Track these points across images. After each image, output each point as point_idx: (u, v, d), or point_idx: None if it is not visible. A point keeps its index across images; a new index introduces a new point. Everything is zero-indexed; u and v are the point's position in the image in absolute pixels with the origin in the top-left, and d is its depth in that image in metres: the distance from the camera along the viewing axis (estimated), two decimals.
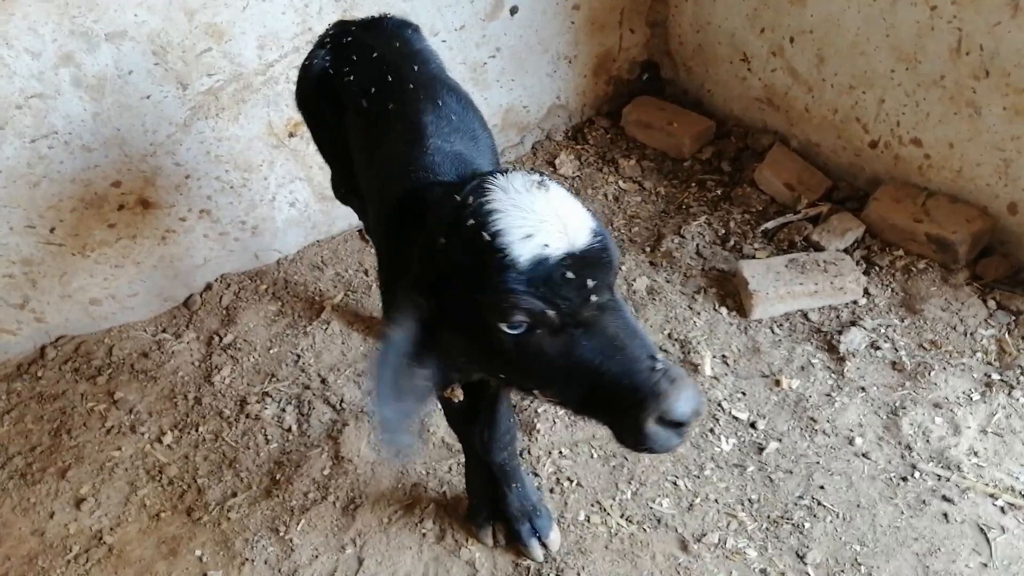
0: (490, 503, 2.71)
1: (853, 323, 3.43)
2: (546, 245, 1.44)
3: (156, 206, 3.57)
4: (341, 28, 2.82)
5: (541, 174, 1.57)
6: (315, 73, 2.73)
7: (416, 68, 2.55)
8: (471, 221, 1.48)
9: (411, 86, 2.43)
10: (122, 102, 3.26)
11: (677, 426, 1.50)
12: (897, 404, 3.10)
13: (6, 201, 3.19)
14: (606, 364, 1.49)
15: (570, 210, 1.50)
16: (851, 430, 3.04)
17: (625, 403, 1.49)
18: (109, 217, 3.48)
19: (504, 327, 1.48)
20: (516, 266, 1.43)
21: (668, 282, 3.77)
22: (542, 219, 1.45)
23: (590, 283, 1.48)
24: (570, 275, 1.45)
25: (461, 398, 2.25)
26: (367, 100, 2.48)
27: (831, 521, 2.75)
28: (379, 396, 1.56)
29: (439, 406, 2.61)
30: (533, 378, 1.61)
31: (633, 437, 1.51)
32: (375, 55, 2.59)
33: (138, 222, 3.56)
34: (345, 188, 3.12)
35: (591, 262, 1.49)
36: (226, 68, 3.43)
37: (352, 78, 2.58)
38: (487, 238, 1.45)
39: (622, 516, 2.82)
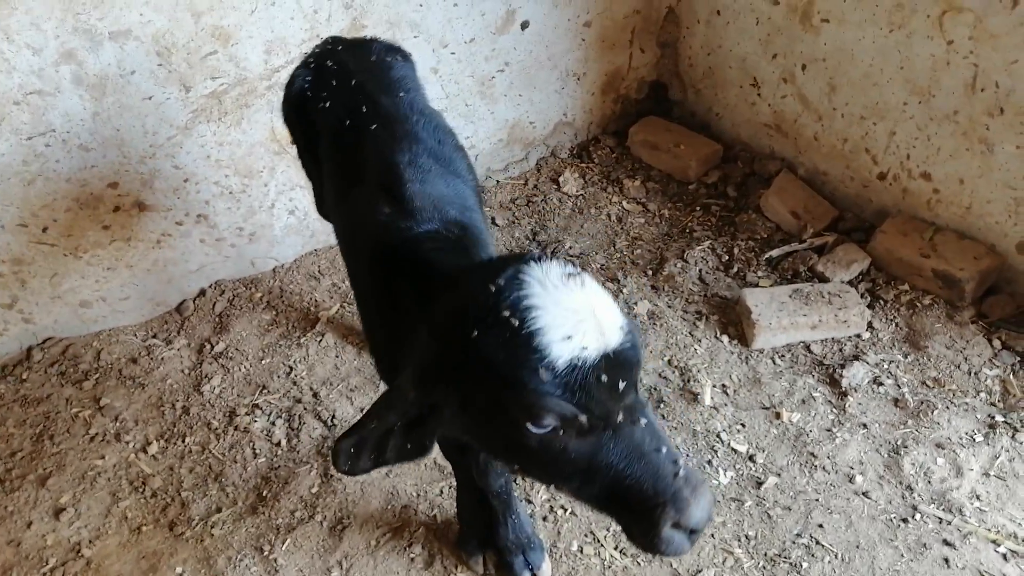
0: (481, 531, 2.65)
1: (856, 357, 3.38)
2: (584, 347, 1.38)
3: (152, 209, 3.50)
4: (327, 48, 2.76)
5: (570, 262, 1.51)
6: (295, 93, 2.68)
7: (394, 100, 2.47)
8: (508, 316, 1.40)
9: (387, 121, 2.35)
10: (123, 102, 3.19)
11: (691, 532, 1.48)
12: (899, 442, 3.04)
13: None
14: (630, 468, 1.46)
15: (605, 307, 1.45)
16: (851, 467, 2.98)
17: (644, 506, 1.46)
18: (104, 218, 3.41)
19: (530, 426, 1.43)
20: (552, 369, 1.37)
21: (669, 307, 3.71)
22: (580, 318, 1.39)
23: (621, 385, 1.43)
24: (604, 378, 1.40)
25: None
26: (341, 132, 2.41)
27: (829, 562, 2.69)
28: (357, 451, 1.54)
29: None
30: (554, 475, 1.56)
31: (648, 539, 1.48)
32: (353, 83, 2.52)
33: (133, 224, 3.49)
34: (328, 207, 3.02)
35: (623, 363, 1.44)
36: (231, 72, 3.37)
37: (328, 105, 2.51)
38: (524, 336, 1.38)
39: (616, 548, 2.75)
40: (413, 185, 2.07)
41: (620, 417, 1.46)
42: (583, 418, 1.42)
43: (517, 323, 1.38)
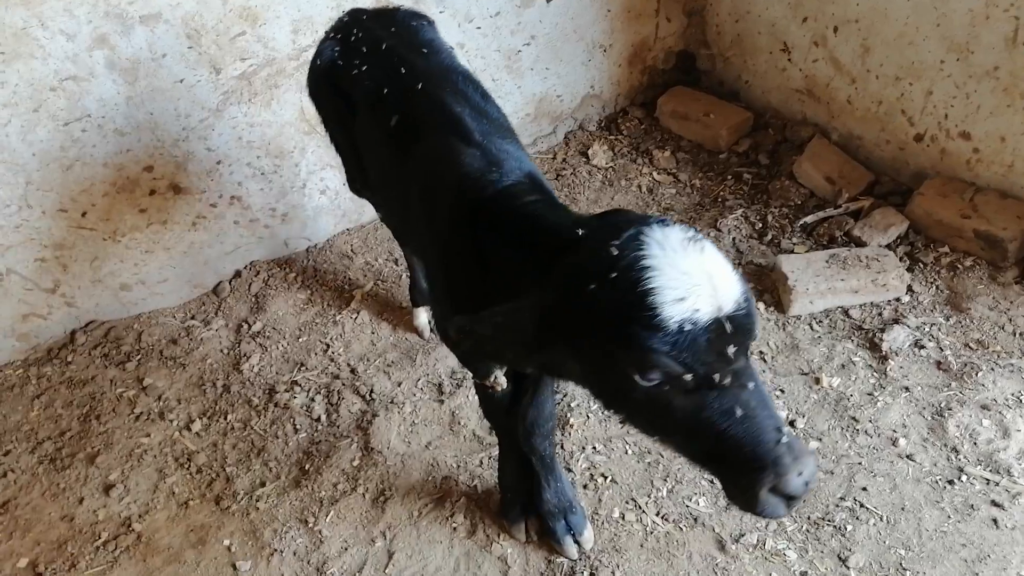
0: (523, 498, 2.67)
1: (896, 321, 3.33)
2: (696, 309, 1.42)
3: (187, 192, 3.54)
4: (352, 17, 2.75)
5: (692, 228, 1.54)
6: (324, 65, 2.68)
7: (431, 60, 2.47)
8: (626, 274, 1.46)
9: (432, 79, 2.34)
10: (155, 85, 3.23)
11: (789, 498, 1.51)
12: (943, 405, 3.00)
13: (39, 184, 3.17)
14: (733, 429, 1.49)
15: (722, 273, 1.48)
16: (894, 431, 2.94)
17: (745, 468, 1.50)
18: (140, 202, 3.46)
19: (638, 378, 1.48)
20: (664, 327, 1.42)
21: None
22: (695, 282, 1.43)
23: (731, 349, 1.47)
24: (713, 340, 1.45)
25: (504, 386, 2.20)
26: (382, 97, 2.40)
27: (874, 524, 2.66)
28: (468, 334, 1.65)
29: (476, 396, 2.56)
30: (657, 427, 1.63)
31: (745, 500, 1.53)
32: (385, 48, 2.52)
33: (169, 207, 3.54)
34: (360, 182, 3.03)
35: (734, 328, 1.47)
36: (260, 52, 3.39)
37: (363, 73, 2.51)
38: (639, 294, 1.43)
39: (657, 514, 2.75)
40: (485, 138, 2.08)
41: (727, 379, 1.49)
42: (688, 376, 1.46)
43: (633, 281, 1.44)
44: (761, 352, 3.30)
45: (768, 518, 1.58)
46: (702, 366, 1.46)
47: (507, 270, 1.82)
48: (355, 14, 2.78)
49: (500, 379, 2.20)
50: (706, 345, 1.44)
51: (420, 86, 2.33)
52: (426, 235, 2.17)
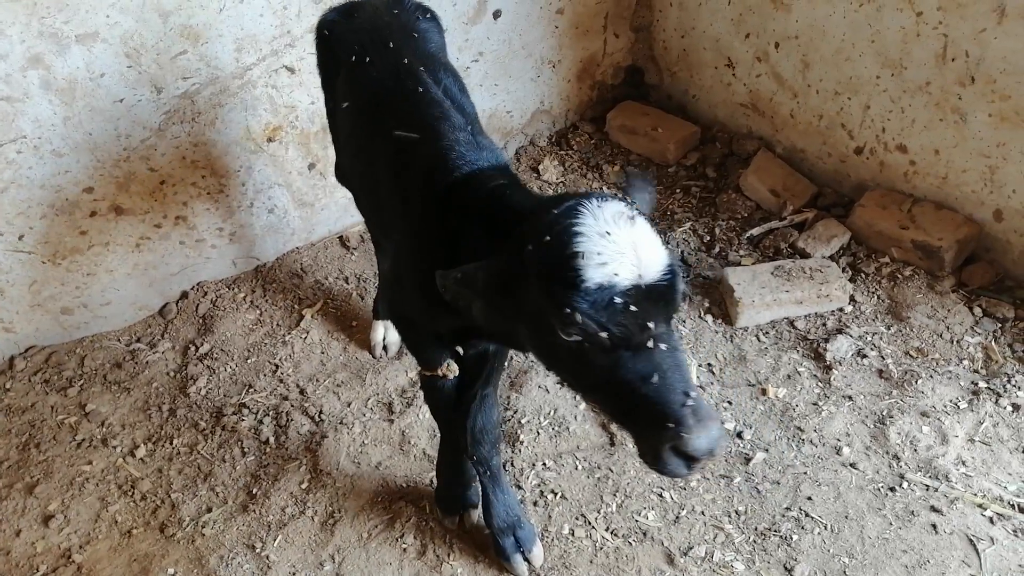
0: (458, 490, 2.77)
1: (839, 331, 3.40)
2: (616, 274, 1.52)
3: (130, 213, 3.48)
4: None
5: (631, 204, 1.66)
6: (323, 23, 2.77)
7: (418, 45, 2.58)
8: (557, 238, 1.58)
9: (415, 61, 2.42)
10: (94, 105, 3.17)
11: (690, 459, 1.57)
12: (884, 413, 3.07)
13: None
14: (645, 389, 1.57)
15: (648, 245, 1.57)
16: (838, 439, 3.00)
17: (651, 426, 1.58)
18: (81, 224, 3.38)
19: (561, 333, 1.59)
20: (583, 288, 1.52)
21: None
22: (619, 249, 1.53)
23: (648, 314, 1.56)
24: (632, 306, 1.54)
25: (455, 375, 2.28)
26: (362, 65, 2.48)
27: (819, 533, 2.71)
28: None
29: (424, 393, 2.58)
30: (580, 384, 1.77)
31: (651, 458, 1.62)
32: (382, 21, 2.63)
33: (111, 229, 3.47)
34: (347, 167, 3.08)
35: (655, 296, 1.57)
36: (202, 71, 3.35)
37: (354, 36, 2.61)
38: (566, 256, 1.55)
39: (607, 529, 2.76)
40: (461, 128, 2.17)
41: (645, 343, 1.58)
42: (604, 336, 1.55)
43: (562, 244, 1.57)
44: (710, 364, 3.34)
45: (669, 476, 1.65)
46: (618, 328, 1.55)
47: (475, 247, 1.90)
48: None
49: (452, 367, 2.28)
50: (623, 308, 1.54)
51: (404, 64, 2.41)
52: (398, 211, 2.24)
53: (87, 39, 3.04)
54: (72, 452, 3.14)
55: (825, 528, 2.72)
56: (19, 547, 2.81)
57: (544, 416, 3.16)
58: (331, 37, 2.75)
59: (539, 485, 2.92)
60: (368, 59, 2.51)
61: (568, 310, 1.54)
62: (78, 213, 3.35)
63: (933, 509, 2.73)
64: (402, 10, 2.78)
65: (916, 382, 3.15)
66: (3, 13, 2.83)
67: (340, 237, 4.13)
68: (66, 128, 3.15)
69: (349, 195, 3.50)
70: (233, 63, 3.42)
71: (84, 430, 3.23)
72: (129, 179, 3.40)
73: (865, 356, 3.29)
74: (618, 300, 1.53)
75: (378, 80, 2.45)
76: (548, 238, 1.60)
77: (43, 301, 3.46)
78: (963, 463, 2.87)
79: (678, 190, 4.34)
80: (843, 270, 3.62)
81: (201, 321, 3.72)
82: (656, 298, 1.57)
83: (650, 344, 1.58)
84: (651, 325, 1.57)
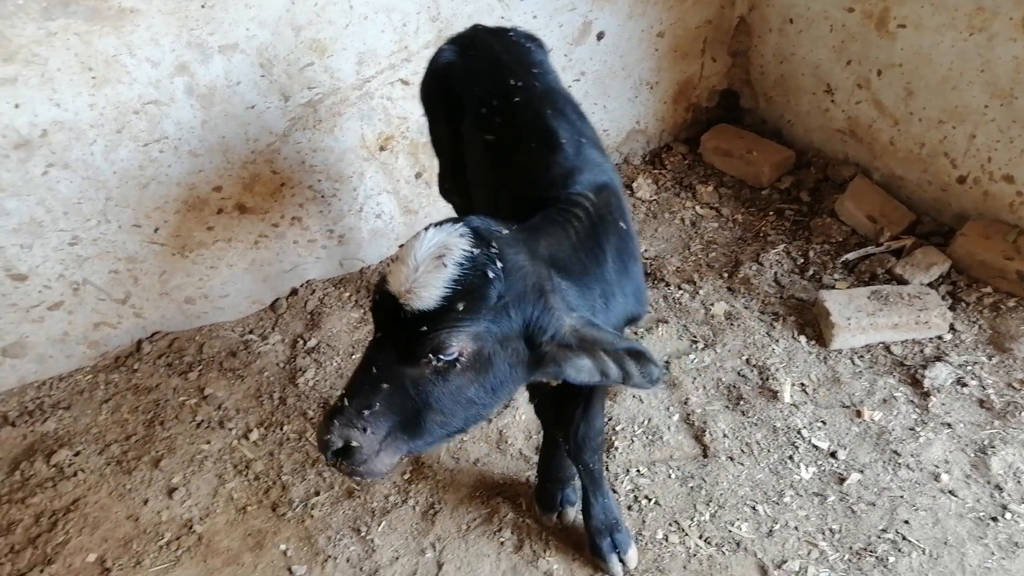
0: (557, 488, 2.86)
1: (938, 358, 3.38)
2: (385, 279, 1.77)
3: (252, 211, 3.72)
4: (473, 30, 2.98)
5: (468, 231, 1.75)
6: (441, 65, 2.88)
7: (537, 78, 2.66)
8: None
9: (535, 96, 2.53)
10: (228, 111, 3.42)
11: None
12: (985, 443, 3.04)
13: (117, 200, 3.36)
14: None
15: (415, 266, 1.70)
16: (936, 466, 2.99)
17: None
18: (208, 220, 3.63)
19: None
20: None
21: (746, 308, 3.77)
22: (400, 261, 1.73)
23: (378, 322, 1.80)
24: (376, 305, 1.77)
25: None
26: (487, 105, 2.59)
27: (916, 557, 2.70)
28: None
29: (529, 394, 2.67)
30: None
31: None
32: (498, 60, 2.72)
33: (234, 226, 3.71)
34: (449, 184, 3.28)
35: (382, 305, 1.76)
36: (326, 82, 3.58)
37: (475, 78, 2.71)
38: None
39: (700, 537, 2.82)
40: (574, 148, 2.27)
41: (373, 340, 1.80)
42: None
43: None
44: (803, 384, 3.37)
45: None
46: (378, 328, 1.85)
47: None
48: (476, 28, 3.01)
49: None
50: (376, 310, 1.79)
51: (525, 100, 2.52)
52: None
53: (228, 50, 3.29)
54: (192, 431, 3.36)
55: (923, 552, 2.71)
56: (147, 515, 3.03)
57: (638, 425, 3.24)
58: (450, 79, 2.86)
59: (633, 490, 2.99)
60: (494, 101, 2.60)
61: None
62: (207, 210, 3.60)
63: None
64: (514, 43, 2.89)
65: (1020, 414, 3.11)
66: (160, 25, 3.09)
67: None
68: (203, 131, 3.40)
69: (450, 207, 3.67)
70: (354, 75, 3.63)
71: (203, 412, 3.45)
72: (254, 180, 3.64)
73: (965, 385, 3.27)
74: (377, 293, 1.75)
75: (502, 117, 2.54)
76: None
77: (170, 290, 3.71)
78: None
79: (772, 213, 4.38)
80: (943, 298, 3.60)
81: (309, 317, 3.93)
82: (398, 321, 1.69)
83: (372, 346, 1.77)
84: (379, 333, 1.77)
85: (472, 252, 1.67)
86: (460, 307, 1.65)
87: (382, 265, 1.72)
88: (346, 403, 1.72)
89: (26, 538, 2.96)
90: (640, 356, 1.81)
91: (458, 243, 1.68)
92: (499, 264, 1.69)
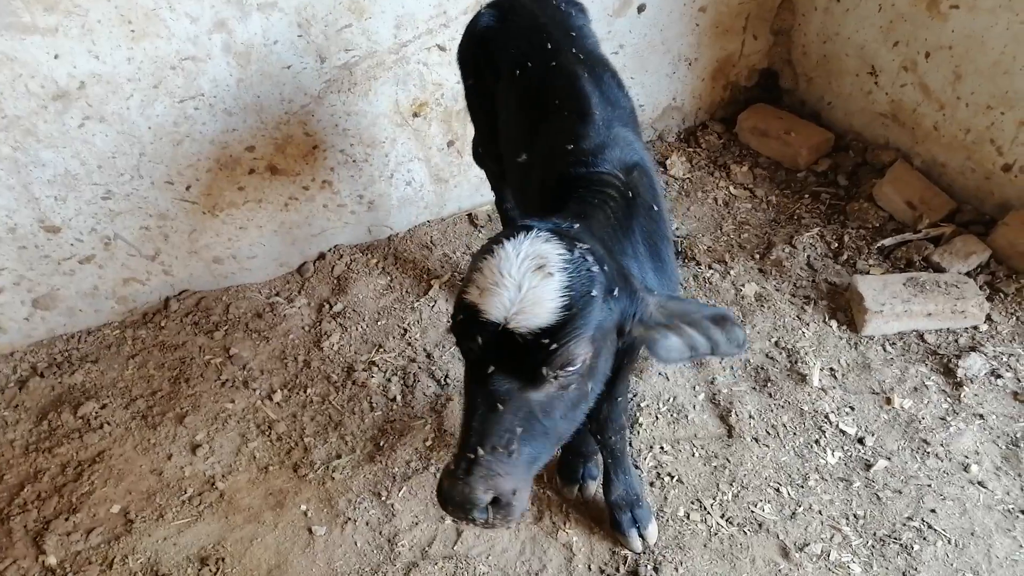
0: (579, 461, 2.86)
1: (973, 349, 3.31)
2: (479, 305, 1.58)
3: (283, 173, 3.71)
4: None
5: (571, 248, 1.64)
6: (480, 29, 2.84)
7: (576, 43, 2.60)
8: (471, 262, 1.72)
9: (572, 61, 2.47)
10: (264, 70, 3.39)
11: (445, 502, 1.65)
12: (1018, 435, 2.98)
13: (151, 156, 3.36)
14: (465, 418, 1.68)
15: (536, 299, 1.55)
16: (966, 456, 2.93)
17: (458, 446, 1.67)
18: (240, 180, 3.63)
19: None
20: (457, 308, 1.66)
21: (777, 290, 3.71)
22: (498, 285, 1.57)
23: (494, 358, 1.61)
24: (479, 339, 1.60)
25: None
26: (524, 69, 2.54)
27: (942, 546, 2.66)
28: None
29: None
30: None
31: (440, 483, 1.68)
32: (538, 23, 2.67)
33: (265, 187, 3.71)
34: (483, 149, 3.27)
35: (510, 345, 1.57)
36: (363, 44, 3.54)
37: (513, 41, 2.67)
38: (465, 279, 1.67)
39: (722, 516, 2.79)
40: (606, 123, 2.22)
41: (483, 381, 1.63)
42: (462, 351, 1.67)
43: (472, 262, 1.67)
44: (832, 368, 3.31)
45: (446, 511, 1.68)
46: (466, 353, 1.70)
47: None
48: None
49: None
50: (471, 338, 1.61)
51: (560, 64, 2.47)
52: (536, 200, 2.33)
53: (267, 8, 3.26)
54: (217, 390, 3.38)
55: (949, 542, 2.67)
56: (170, 470, 3.06)
57: (663, 402, 3.21)
58: (488, 42, 2.81)
59: (656, 467, 2.97)
60: (529, 64, 2.56)
61: (451, 325, 1.66)
62: (239, 170, 3.60)
63: None
64: (554, 7, 2.82)
65: None
66: None
67: (469, 215, 4.28)
68: (238, 89, 3.38)
69: (482, 174, 3.65)
70: (391, 38, 3.59)
71: (228, 371, 3.47)
72: (287, 141, 3.62)
73: (1000, 376, 3.20)
74: (474, 326, 1.57)
75: (538, 80, 2.50)
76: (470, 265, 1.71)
77: (199, 249, 3.73)
78: None
79: (807, 195, 4.30)
80: (980, 288, 3.52)
81: (336, 281, 3.93)
82: (512, 348, 1.55)
83: (487, 383, 1.61)
84: (491, 368, 1.60)
85: (568, 254, 1.59)
86: (577, 313, 1.56)
87: (457, 295, 1.65)
88: (480, 452, 1.58)
89: (52, 486, 3.00)
90: (725, 321, 1.76)
91: (551, 249, 1.59)
92: (591, 259, 1.62)
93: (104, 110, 3.16)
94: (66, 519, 2.87)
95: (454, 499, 1.58)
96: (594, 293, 1.59)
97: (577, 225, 1.76)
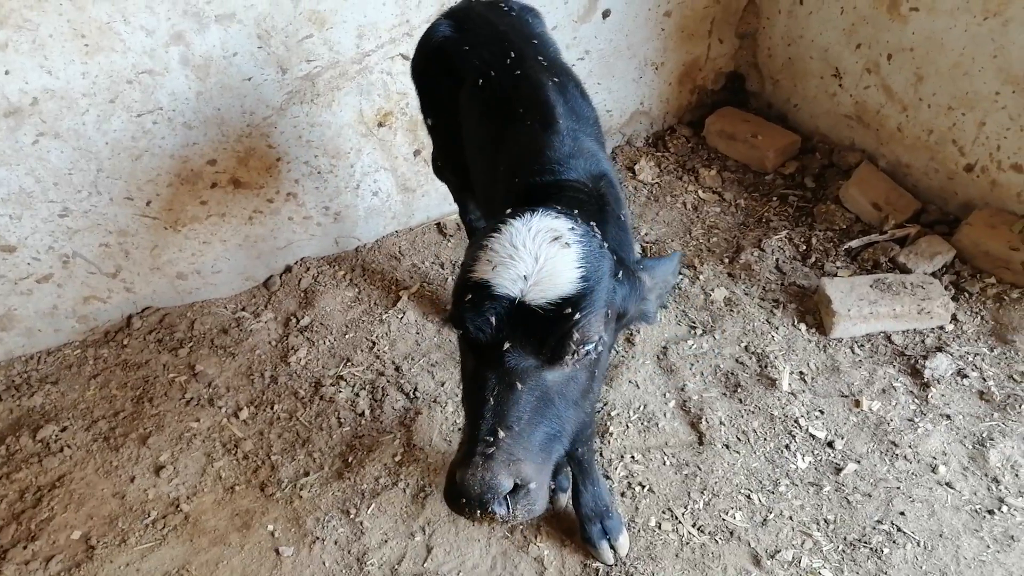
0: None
1: (939, 349, 3.33)
2: (492, 277, 1.55)
3: (246, 186, 3.65)
4: (467, 4, 2.90)
5: (580, 226, 1.65)
6: (435, 42, 2.80)
7: (538, 51, 2.59)
8: (477, 237, 1.69)
9: (535, 70, 2.45)
10: (224, 83, 3.34)
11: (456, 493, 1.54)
12: (984, 435, 3.00)
13: (109, 172, 3.29)
14: (470, 399, 1.63)
15: (554, 270, 1.53)
16: (934, 458, 2.95)
17: (466, 437, 1.60)
18: (202, 194, 3.57)
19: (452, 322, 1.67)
20: (463, 286, 1.62)
21: (746, 295, 3.72)
22: (513, 257, 1.55)
23: (511, 334, 1.56)
24: (492, 316, 1.55)
25: None
26: (486, 78, 2.51)
27: (911, 549, 2.67)
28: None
29: None
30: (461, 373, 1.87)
31: (448, 481, 1.59)
32: (498, 31, 2.65)
33: (228, 201, 3.65)
34: (442, 162, 3.23)
35: (529, 320, 1.53)
36: (325, 55, 3.50)
37: (473, 51, 2.63)
38: (469, 260, 1.66)
39: (694, 525, 2.78)
40: (570, 133, 2.20)
41: (497, 359, 1.56)
42: (470, 336, 1.58)
43: (467, 259, 1.63)
44: (802, 372, 3.32)
45: (450, 504, 1.59)
46: (478, 333, 1.63)
47: None
48: (470, 1, 2.92)
49: None
50: (484, 314, 1.56)
51: (525, 73, 2.45)
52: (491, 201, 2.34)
53: (225, 19, 3.21)
54: (181, 409, 3.32)
55: (918, 544, 2.68)
56: (133, 492, 2.99)
57: (633, 411, 3.20)
58: (447, 54, 2.77)
59: (627, 477, 2.96)
60: (492, 72, 2.53)
61: (452, 307, 1.60)
62: (200, 184, 3.54)
63: None
64: (512, 15, 2.81)
65: (1020, 406, 3.06)
66: None
67: (438, 224, 4.25)
68: (198, 103, 3.33)
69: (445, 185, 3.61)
70: (354, 48, 3.56)
71: (192, 389, 3.40)
72: (249, 154, 3.57)
73: (966, 376, 3.22)
74: (487, 304, 1.52)
75: (500, 90, 2.47)
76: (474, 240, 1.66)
77: (162, 265, 3.66)
78: None
79: (775, 198, 4.31)
80: (945, 288, 3.55)
81: (303, 295, 3.88)
82: (529, 322, 1.51)
83: (503, 363, 1.54)
84: (506, 344, 1.53)
85: (580, 229, 1.58)
86: (594, 286, 1.54)
87: (460, 278, 1.64)
88: (501, 435, 1.49)
89: (10, 513, 2.93)
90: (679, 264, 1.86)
91: (563, 224, 1.58)
92: (600, 236, 1.63)
93: (59, 126, 3.10)
94: (24, 547, 2.80)
95: (473, 489, 1.46)
96: (607, 267, 1.61)
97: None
